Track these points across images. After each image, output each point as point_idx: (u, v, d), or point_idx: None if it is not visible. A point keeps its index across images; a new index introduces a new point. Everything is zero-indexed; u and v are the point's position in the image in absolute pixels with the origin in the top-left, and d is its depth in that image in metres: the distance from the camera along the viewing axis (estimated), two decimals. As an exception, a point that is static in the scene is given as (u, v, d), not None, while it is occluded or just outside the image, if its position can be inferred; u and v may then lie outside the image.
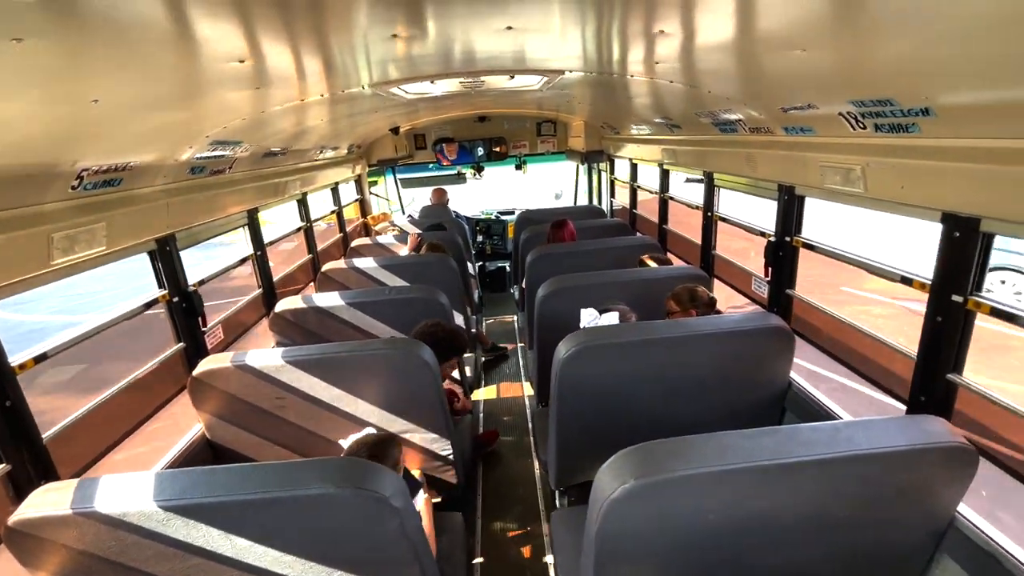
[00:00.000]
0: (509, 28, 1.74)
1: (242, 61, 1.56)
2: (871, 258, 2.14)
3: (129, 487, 1.37)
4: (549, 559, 2.70)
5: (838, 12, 1.27)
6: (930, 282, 1.77)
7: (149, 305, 2.51)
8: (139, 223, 2.28)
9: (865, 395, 3.81)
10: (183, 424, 2.44)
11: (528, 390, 4.37)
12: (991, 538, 1.46)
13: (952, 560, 1.52)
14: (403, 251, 4.50)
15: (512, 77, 3.04)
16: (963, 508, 1.51)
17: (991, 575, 1.43)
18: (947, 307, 1.71)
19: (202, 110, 2.01)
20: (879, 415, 1.59)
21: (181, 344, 2.65)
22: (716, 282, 3.49)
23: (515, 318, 5.87)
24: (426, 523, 1.86)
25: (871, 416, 1.54)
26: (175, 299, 2.61)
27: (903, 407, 1.95)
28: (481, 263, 7.07)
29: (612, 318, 2.47)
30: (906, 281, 1.93)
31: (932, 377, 1.79)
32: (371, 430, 2.17)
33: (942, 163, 1.57)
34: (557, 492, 2.56)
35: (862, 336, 2.24)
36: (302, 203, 4.51)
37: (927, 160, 1.62)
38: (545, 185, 9.17)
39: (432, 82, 3.00)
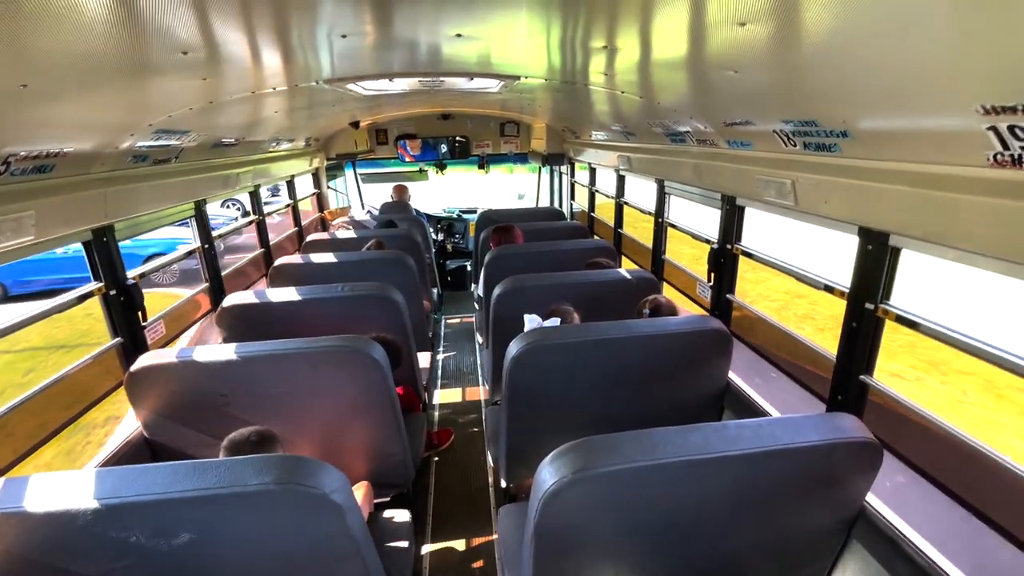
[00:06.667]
0: (459, 35, 1.77)
1: (185, 53, 1.53)
2: (798, 266, 2.29)
3: (57, 485, 1.31)
4: (496, 554, 2.75)
5: (764, 40, 1.36)
6: (848, 291, 1.92)
7: (83, 298, 2.39)
8: (73, 212, 2.16)
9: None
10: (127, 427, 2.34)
11: (484, 390, 4.40)
12: (891, 524, 1.60)
13: (860, 545, 1.65)
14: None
15: (471, 79, 3.06)
16: (870, 497, 1.65)
17: (891, 557, 1.57)
18: (861, 314, 1.86)
19: (144, 99, 1.93)
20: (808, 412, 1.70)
21: (118, 339, 2.54)
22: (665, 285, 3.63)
23: (475, 317, 5.90)
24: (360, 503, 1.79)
25: (797, 414, 1.65)
26: (112, 292, 2.49)
27: (824, 405, 2.11)
28: (442, 261, 7.04)
29: (554, 324, 2.53)
30: (828, 289, 2.07)
31: (847, 378, 1.95)
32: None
33: (859, 181, 1.70)
34: (507, 489, 2.61)
35: (793, 340, 2.39)
36: (254, 196, 4.38)
37: (846, 178, 1.75)
38: (509, 186, 9.23)
39: (391, 80, 2.99)
